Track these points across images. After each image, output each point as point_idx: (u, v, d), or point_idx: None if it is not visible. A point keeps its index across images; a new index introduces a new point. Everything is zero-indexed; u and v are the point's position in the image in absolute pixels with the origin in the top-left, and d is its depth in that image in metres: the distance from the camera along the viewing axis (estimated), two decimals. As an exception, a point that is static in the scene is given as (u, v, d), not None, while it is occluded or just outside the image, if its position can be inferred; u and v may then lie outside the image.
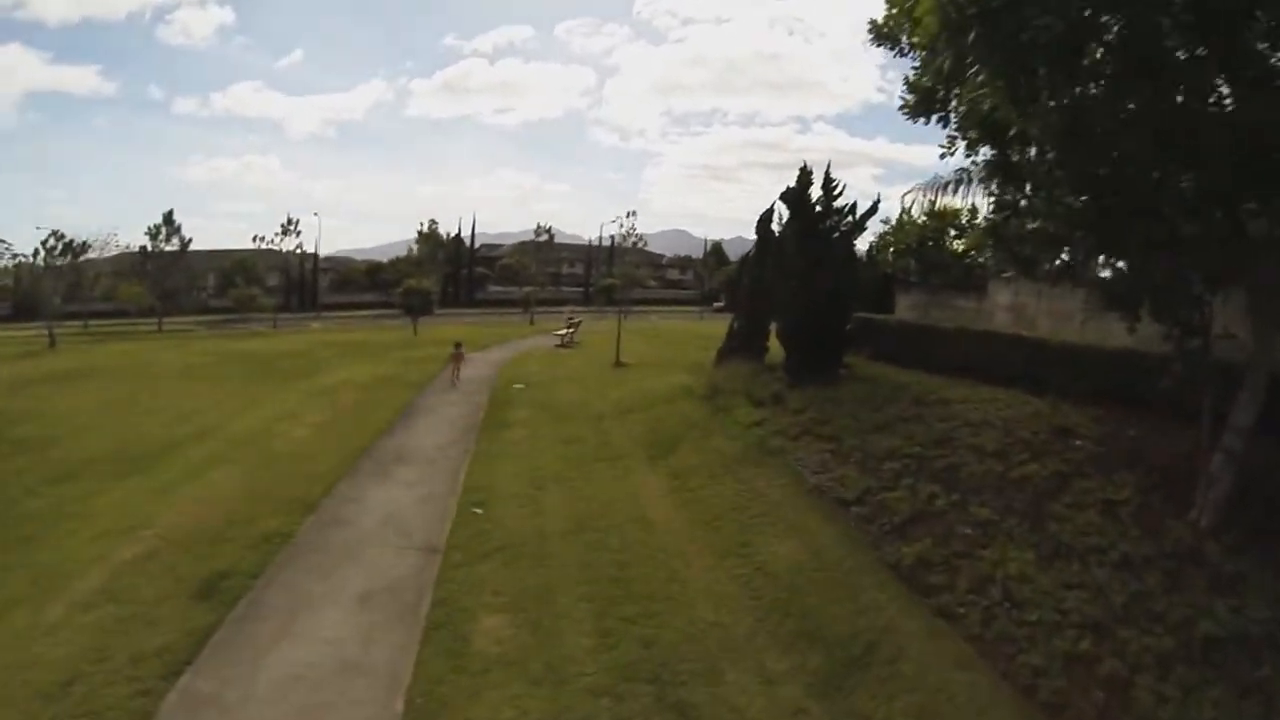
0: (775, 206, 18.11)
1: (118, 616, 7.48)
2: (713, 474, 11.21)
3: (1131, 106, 6.55)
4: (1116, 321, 8.96)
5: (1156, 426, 10.00)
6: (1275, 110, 5.82)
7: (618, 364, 23.28)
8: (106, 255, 43.56)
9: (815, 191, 15.46)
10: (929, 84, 8.12)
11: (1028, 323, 15.23)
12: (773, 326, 17.69)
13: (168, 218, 45.14)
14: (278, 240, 45.47)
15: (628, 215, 26.96)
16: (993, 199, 9.06)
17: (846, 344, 15.34)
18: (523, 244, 62.10)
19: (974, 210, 19.25)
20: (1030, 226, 8.46)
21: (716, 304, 61.75)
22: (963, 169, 11.07)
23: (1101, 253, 8.52)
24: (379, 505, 10.42)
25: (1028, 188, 8.52)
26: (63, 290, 38.48)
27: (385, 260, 72.21)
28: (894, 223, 20.92)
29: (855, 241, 15.63)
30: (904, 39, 9.69)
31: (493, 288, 69.89)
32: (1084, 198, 7.63)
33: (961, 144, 9.17)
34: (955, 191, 13.02)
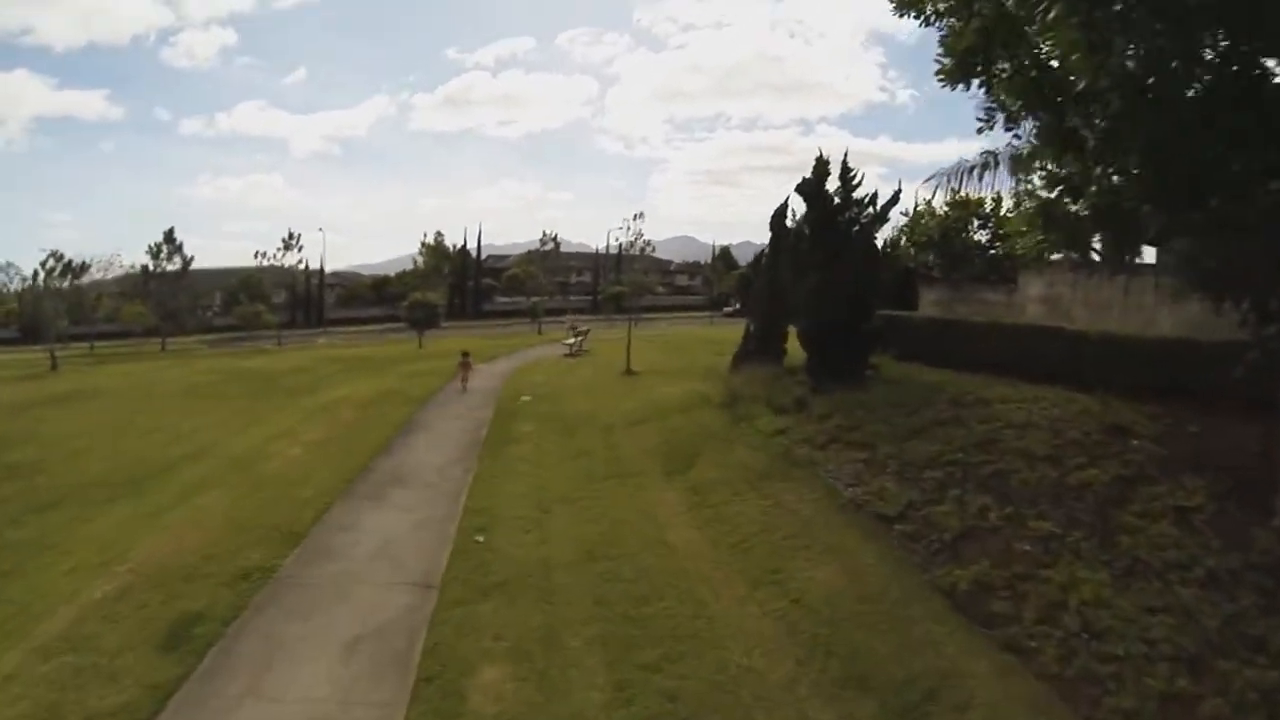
0: (789, 202, 17.32)
1: (76, 668, 6.69)
2: (736, 489, 10.22)
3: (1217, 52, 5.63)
4: (1161, 309, 8.04)
5: (1217, 423, 9.10)
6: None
7: (628, 372, 22.47)
8: (111, 276, 43.41)
9: (831, 184, 14.57)
10: (972, 42, 7.12)
11: (1063, 314, 14.30)
12: (790, 328, 16.94)
13: (169, 236, 44.84)
14: (279, 256, 44.90)
15: (635, 218, 26.37)
16: (1042, 174, 8.07)
17: (872, 343, 14.37)
18: (529, 253, 61.58)
19: (998, 198, 18.29)
20: (1090, 203, 7.47)
21: (726, 309, 60.93)
22: (988, 152, 10.16)
23: (1172, 230, 7.54)
24: (372, 533, 9.51)
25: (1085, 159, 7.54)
26: (63, 311, 38.21)
27: (392, 275, 72.01)
28: (912, 214, 19.87)
29: (877, 234, 14.63)
30: (930, 4, 8.69)
31: (500, 299, 69.50)
32: (1152, 168, 6.71)
33: (1001, 117, 8.18)
34: (981, 177, 12.05)
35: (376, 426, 15.51)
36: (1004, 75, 7.61)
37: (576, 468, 12.16)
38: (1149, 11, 5.47)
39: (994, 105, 8.19)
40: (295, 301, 63.61)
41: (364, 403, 18.66)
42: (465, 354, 22.08)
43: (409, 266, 60.84)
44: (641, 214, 29.04)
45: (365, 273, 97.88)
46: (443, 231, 64.23)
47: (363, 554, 8.85)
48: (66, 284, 38.31)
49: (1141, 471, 8.51)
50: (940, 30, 8.36)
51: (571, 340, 30.86)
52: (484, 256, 76.48)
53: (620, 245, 61.69)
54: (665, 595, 7.63)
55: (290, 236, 44.70)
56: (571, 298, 71.46)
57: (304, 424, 16.48)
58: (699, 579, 7.94)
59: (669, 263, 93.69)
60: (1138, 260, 11.36)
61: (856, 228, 14.34)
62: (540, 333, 43.39)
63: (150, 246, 44.66)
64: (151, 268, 45.20)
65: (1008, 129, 8.35)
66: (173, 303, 46.18)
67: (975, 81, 7.72)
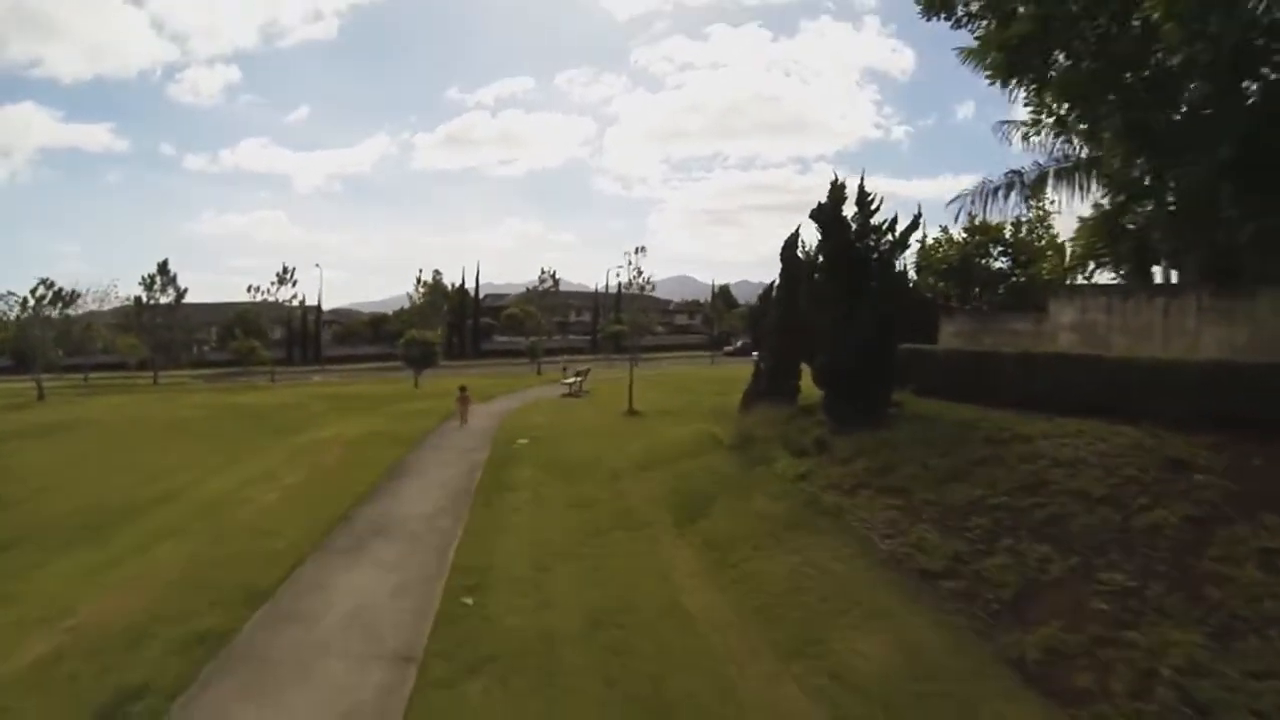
0: (799, 232, 16.61)
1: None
2: (758, 544, 9.10)
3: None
4: (1206, 331, 7.16)
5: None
6: None
7: (631, 412, 21.55)
8: (108, 307, 42.68)
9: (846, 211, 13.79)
10: (1029, 29, 6.33)
11: (1099, 342, 13.37)
12: (803, 366, 16.07)
13: (162, 267, 44.08)
14: (273, 290, 44.17)
15: (636, 251, 25.64)
16: (1105, 183, 7.23)
17: (894, 378, 13.43)
18: (527, 292, 61.07)
19: (1018, 223, 17.57)
20: (1161, 208, 6.60)
21: (727, 348, 60.41)
22: (1014, 171, 9.37)
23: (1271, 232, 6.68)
24: (347, 595, 8.33)
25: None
26: (51, 340, 37.51)
27: (390, 313, 71.47)
28: (928, 243, 19.08)
29: (898, 261, 13.77)
30: (961, 4, 7.98)
31: (499, 338, 68.93)
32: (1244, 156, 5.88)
33: (1049, 122, 7.37)
34: (1006, 197, 11.31)
35: (362, 470, 14.40)
36: (1057, 73, 6.82)
37: (579, 519, 10.98)
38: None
39: (1036, 113, 7.42)
40: (292, 338, 62.93)
41: (351, 443, 17.62)
42: (463, 389, 22.07)
43: (407, 305, 60.29)
44: (643, 248, 28.33)
45: (364, 310, 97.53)
46: (440, 270, 63.75)
47: (334, 619, 7.67)
48: (56, 312, 37.42)
49: (1215, 511, 7.48)
50: (971, 30, 7.67)
51: (571, 380, 30.10)
52: (483, 296, 76.03)
53: (620, 283, 61.42)
54: (685, 671, 6.47)
55: (285, 271, 43.98)
56: (571, 337, 70.81)
57: (285, 465, 15.39)
58: (724, 653, 6.78)
59: (668, 302, 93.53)
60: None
61: (875, 256, 13.52)
62: (539, 373, 42.65)
63: (143, 278, 44.03)
64: (145, 299, 44.44)
65: (1057, 135, 7.57)
66: (165, 335, 45.47)
67: (1028, 80, 6.92)
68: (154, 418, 25.04)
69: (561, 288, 60.42)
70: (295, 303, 48.68)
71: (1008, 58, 6.72)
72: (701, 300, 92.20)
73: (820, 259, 13.89)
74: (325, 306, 71.78)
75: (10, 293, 37.12)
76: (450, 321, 65.45)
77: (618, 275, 54.79)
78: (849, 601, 7.49)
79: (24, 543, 11.11)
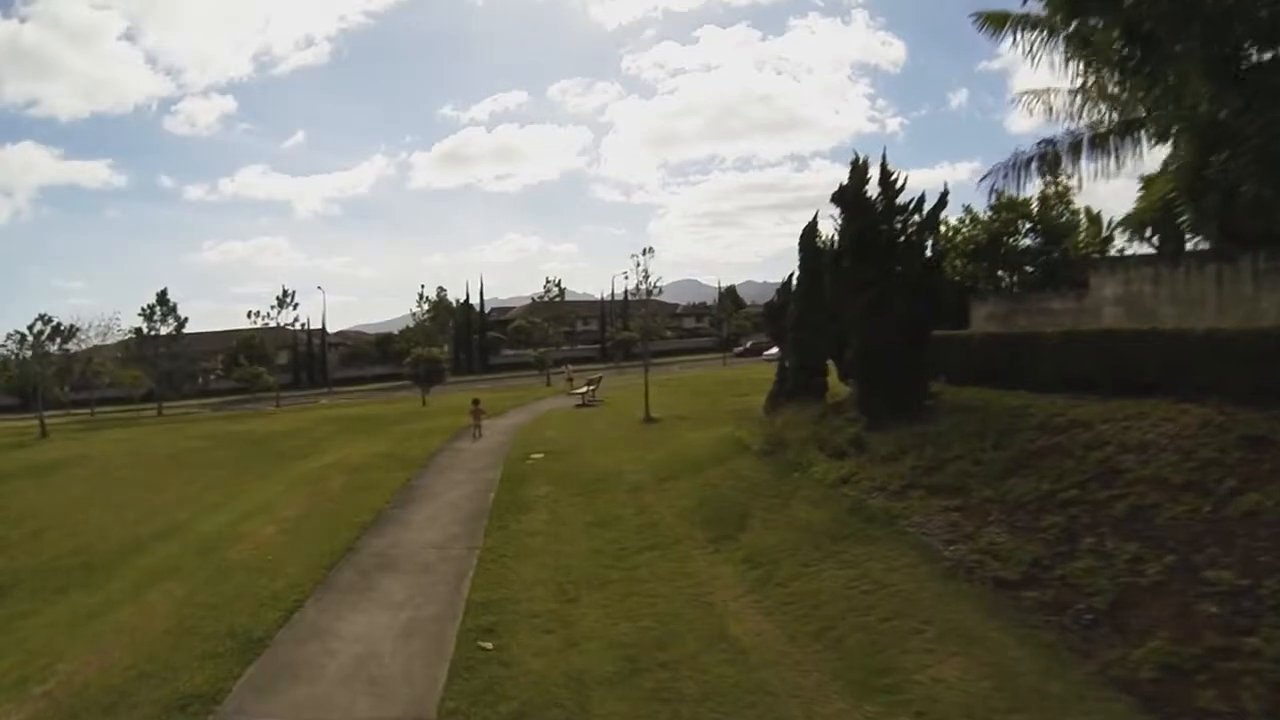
0: (816, 219, 15.74)
1: None
2: (805, 559, 8.14)
3: None
4: (1265, 296, 6.22)
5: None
6: None
7: (648, 419, 20.68)
8: (111, 341, 42.39)
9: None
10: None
11: (1146, 315, 12.41)
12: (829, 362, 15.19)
13: (161, 297, 43.59)
14: (274, 314, 43.62)
15: (644, 252, 24.80)
16: (1184, 129, 6.31)
17: (930, 368, 12.50)
18: (533, 303, 60.46)
19: (1044, 198, 16.64)
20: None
21: (737, 349, 59.61)
22: (1046, 140, 8.45)
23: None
24: (350, 641, 7.43)
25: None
26: (51, 376, 37.37)
27: (396, 332, 71.00)
28: (950, 226, 18.09)
29: (927, 242, 12.84)
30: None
31: (506, 351, 68.39)
32: None
33: (1091, 84, 6.45)
34: (1040, 169, 10.36)
35: (368, 496, 13.54)
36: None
37: (603, 539, 10.00)
38: None
39: (1091, 61, 6.50)
40: (298, 362, 62.58)
41: (357, 468, 16.83)
42: (476, 402, 21.94)
43: (412, 323, 59.79)
44: (651, 249, 27.62)
45: (369, 331, 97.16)
46: (444, 286, 63.22)
47: (336, 672, 6.78)
48: (55, 348, 37.12)
49: (1312, 492, 6.50)
50: None
51: (583, 390, 29.38)
52: (488, 309, 75.54)
53: (626, 291, 60.67)
54: (742, 716, 5.55)
55: (285, 294, 43.41)
56: (579, 346, 70.07)
57: (286, 495, 14.60)
58: (783, 690, 5.82)
59: (675, 306, 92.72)
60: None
61: (902, 239, 12.61)
62: (549, 384, 42.06)
63: (143, 309, 43.52)
64: (145, 330, 43.96)
65: (1120, 84, 6.65)
66: (168, 365, 45.09)
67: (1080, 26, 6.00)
68: (156, 450, 24.64)
69: (566, 298, 59.85)
70: (298, 326, 48.24)
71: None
72: (708, 303, 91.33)
73: (845, 244, 12.96)
74: (331, 329, 71.58)
75: (16, 331, 36.98)
76: (456, 337, 64.93)
77: (625, 280, 54.03)
78: (918, 620, 6.55)
79: (18, 589, 10.82)
